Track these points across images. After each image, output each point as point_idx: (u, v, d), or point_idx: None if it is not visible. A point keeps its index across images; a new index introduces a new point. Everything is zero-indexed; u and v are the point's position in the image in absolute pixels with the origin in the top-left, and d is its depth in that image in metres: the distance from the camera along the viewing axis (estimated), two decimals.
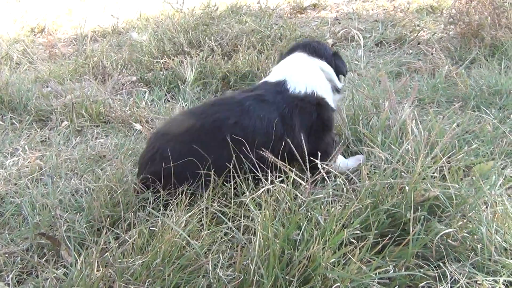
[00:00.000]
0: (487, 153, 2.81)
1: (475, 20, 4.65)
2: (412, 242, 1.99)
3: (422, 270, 1.98)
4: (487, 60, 4.26)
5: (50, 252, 2.33)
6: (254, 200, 2.19)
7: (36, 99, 4.22)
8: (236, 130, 2.49)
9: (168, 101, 4.31)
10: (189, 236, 2.08)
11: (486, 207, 2.21)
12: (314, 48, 3.00)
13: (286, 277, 1.87)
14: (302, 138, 2.57)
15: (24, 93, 4.30)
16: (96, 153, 3.34)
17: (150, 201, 2.46)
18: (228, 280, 1.88)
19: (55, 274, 2.11)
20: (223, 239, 2.16)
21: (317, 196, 2.22)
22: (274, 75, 2.88)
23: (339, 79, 3.05)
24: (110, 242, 2.19)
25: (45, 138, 3.74)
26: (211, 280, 1.89)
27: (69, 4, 8.59)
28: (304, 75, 2.83)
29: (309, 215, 2.11)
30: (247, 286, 1.87)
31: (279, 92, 2.72)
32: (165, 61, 4.85)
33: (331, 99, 2.90)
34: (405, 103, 3.18)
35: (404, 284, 1.96)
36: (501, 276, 1.93)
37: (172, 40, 5.18)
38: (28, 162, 3.27)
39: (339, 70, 3.06)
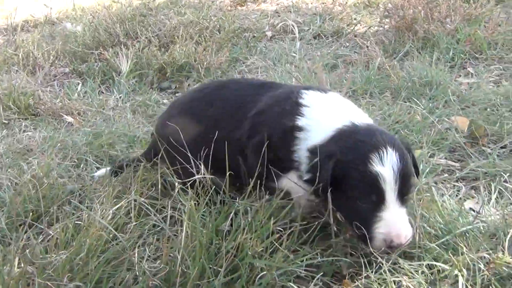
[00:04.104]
0: (416, 141, 2.89)
1: (409, 14, 4.77)
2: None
3: (348, 259, 2.00)
4: (419, 52, 4.38)
5: None
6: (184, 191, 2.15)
7: None
8: None
9: (102, 92, 4.21)
10: (116, 230, 2.02)
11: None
12: None
13: (214, 267, 1.85)
14: None
15: None
16: (23, 146, 3.19)
17: (76, 195, 2.38)
18: (154, 273, 1.84)
19: None
20: (150, 231, 2.11)
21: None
22: None
23: None
24: (35, 237, 2.10)
25: None
26: (137, 273, 1.85)
27: None
28: None
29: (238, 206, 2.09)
30: (173, 277, 1.83)
31: None
32: (100, 52, 4.72)
33: None
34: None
35: (331, 271, 1.98)
36: (424, 261, 1.97)
37: (108, 31, 5.04)
38: None
39: None
